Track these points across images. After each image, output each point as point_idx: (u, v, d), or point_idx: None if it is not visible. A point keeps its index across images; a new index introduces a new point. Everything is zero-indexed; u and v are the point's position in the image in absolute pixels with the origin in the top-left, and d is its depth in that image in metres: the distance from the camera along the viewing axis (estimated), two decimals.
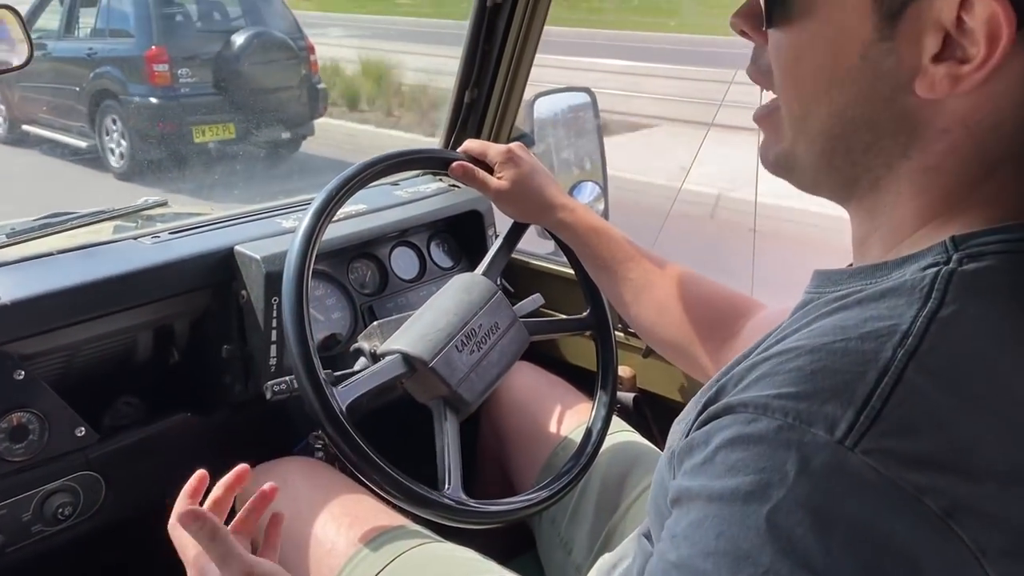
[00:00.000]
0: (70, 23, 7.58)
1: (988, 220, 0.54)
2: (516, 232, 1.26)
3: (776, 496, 0.45)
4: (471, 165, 1.20)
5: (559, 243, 1.27)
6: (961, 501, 0.44)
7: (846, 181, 0.60)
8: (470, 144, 1.23)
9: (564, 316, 1.31)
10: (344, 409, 1.01)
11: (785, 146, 0.62)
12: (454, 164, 1.20)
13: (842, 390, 0.47)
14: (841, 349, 0.49)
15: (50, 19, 7.64)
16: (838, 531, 0.44)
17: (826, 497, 0.45)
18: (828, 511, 0.44)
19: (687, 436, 0.55)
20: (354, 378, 1.05)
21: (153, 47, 6.85)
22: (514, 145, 1.21)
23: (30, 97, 7.77)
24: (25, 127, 7.79)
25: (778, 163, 0.63)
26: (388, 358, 1.10)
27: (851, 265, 0.67)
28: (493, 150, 1.21)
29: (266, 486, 0.96)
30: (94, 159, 7.10)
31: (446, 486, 1.05)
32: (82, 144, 7.33)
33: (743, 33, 0.63)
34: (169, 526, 0.91)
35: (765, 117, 0.64)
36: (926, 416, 0.46)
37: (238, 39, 6.99)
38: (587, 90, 1.87)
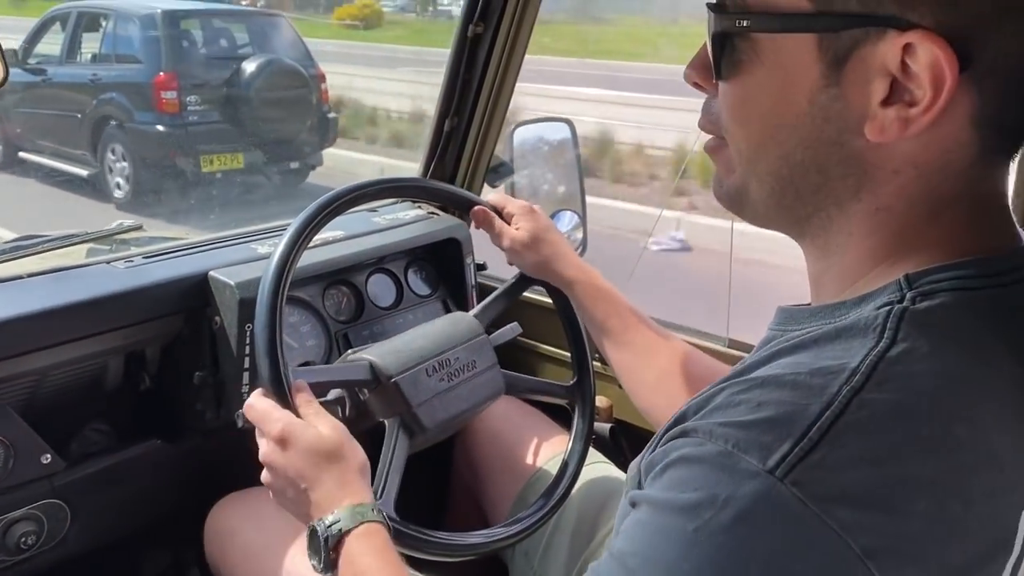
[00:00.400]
0: (72, 48, 7.39)
1: (941, 257, 0.55)
2: (519, 285, 1.26)
3: (704, 516, 0.47)
4: (492, 213, 1.23)
5: (550, 290, 1.27)
6: (884, 540, 0.46)
7: (797, 219, 0.61)
8: (496, 197, 1.27)
9: (546, 380, 1.30)
10: (292, 383, 0.97)
11: (736, 181, 0.63)
12: (476, 209, 1.23)
13: (783, 422, 0.48)
14: (791, 383, 0.50)
15: (50, 44, 7.52)
16: (755, 561, 0.46)
17: (748, 526, 0.46)
18: (749, 539, 0.46)
19: (652, 453, 0.57)
20: (314, 366, 1.04)
21: (161, 73, 6.69)
22: (534, 205, 1.24)
23: (28, 123, 7.55)
24: (22, 154, 7.58)
25: (730, 197, 0.65)
26: (354, 360, 1.09)
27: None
28: (513, 204, 1.24)
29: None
30: (95, 188, 6.93)
31: (379, 495, 1.02)
32: (83, 172, 7.14)
33: (696, 85, 0.65)
34: (249, 405, 0.97)
35: (716, 150, 0.65)
36: (862, 452, 0.47)
37: (248, 67, 6.82)
38: (567, 120, 1.88)
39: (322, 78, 7.32)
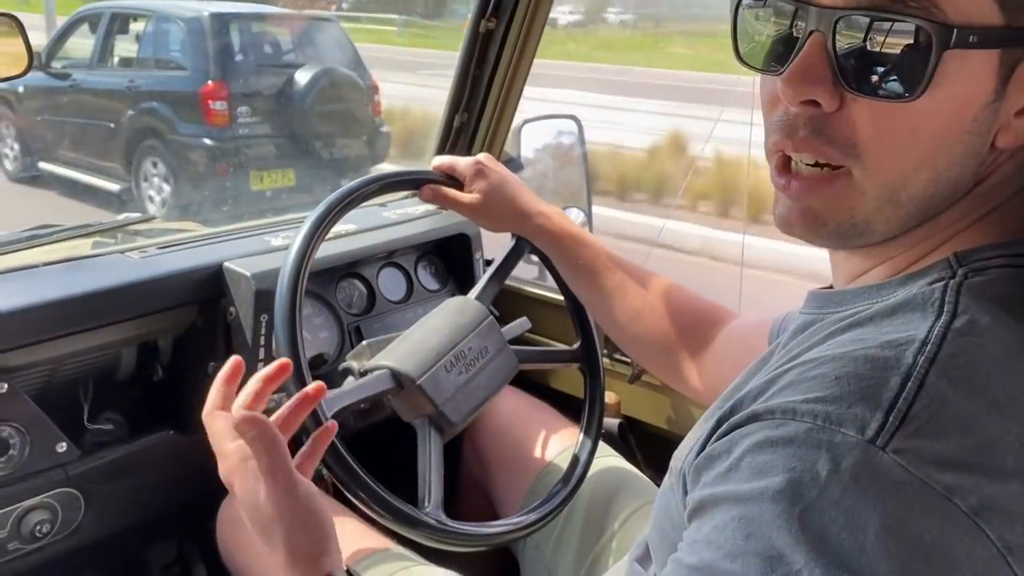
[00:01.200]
0: (104, 52, 6.70)
1: (984, 239, 0.56)
2: (510, 259, 1.26)
3: (809, 496, 0.46)
4: (439, 187, 1.19)
5: (546, 264, 1.27)
6: (988, 500, 0.46)
7: (894, 237, 0.59)
8: (439, 161, 1.22)
9: (555, 346, 1.31)
10: (329, 417, 1.00)
11: (859, 215, 0.57)
12: (423, 188, 1.19)
13: (868, 394, 0.48)
14: (863, 356, 0.50)
15: (76, 47, 6.90)
16: (871, 530, 0.45)
17: (859, 496, 0.45)
18: (861, 510, 0.45)
19: (703, 450, 0.55)
20: (340, 389, 1.05)
21: (210, 82, 5.96)
22: (481, 156, 1.21)
23: (51, 132, 6.83)
24: (43, 165, 6.86)
25: (841, 233, 0.59)
26: (376, 373, 1.10)
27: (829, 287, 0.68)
28: (461, 164, 1.20)
29: (311, 388, 0.88)
30: (124, 203, 6.29)
31: (426, 504, 1.04)
32: (113, 187, 6.39)
33: (811, 103, 0.56)
34: (206, 414, 0.85)
35: (826, 181, 0.58)
36: (951, 419, 0.47)
37: (303, 76, 6.18)
38: (574, 117, 1.89)
39: (375, 89, 6.66)
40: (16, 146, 7.02)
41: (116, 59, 6.79)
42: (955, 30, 0.51)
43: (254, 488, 0.80)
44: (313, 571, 0.78)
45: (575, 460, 1.23)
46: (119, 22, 6.75)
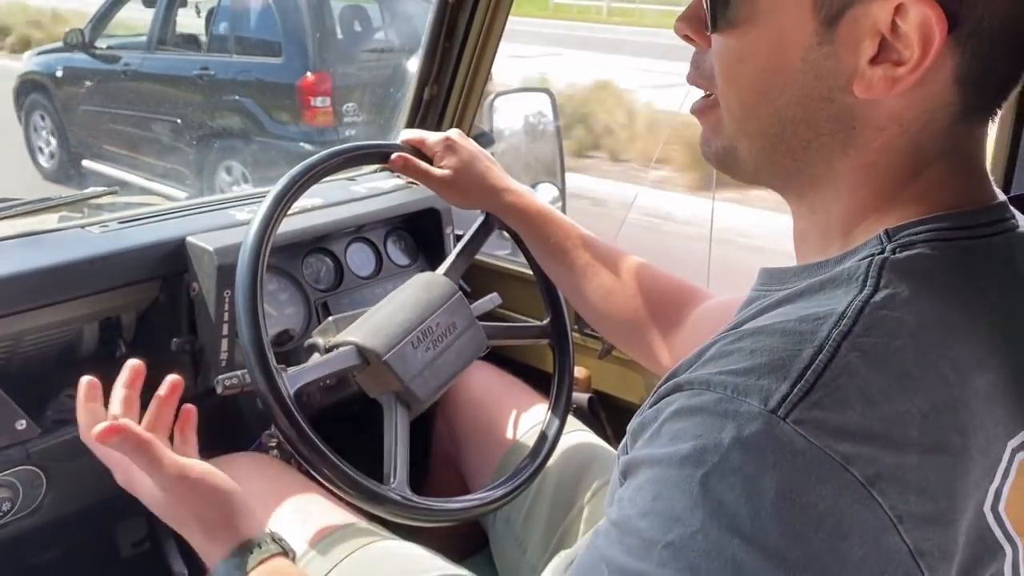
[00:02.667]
0: (165, 30, 5.50)
1: (920, 213, 0.57)
2: (480, 234, 1.25)
3: (710, 462, 0.48)
4: (411, 157, 1.18)
5: (516, 241, 1.26)
6: (885, 470, 0.47)
7: (787, 175, 0.62)
8: (407, 134, 1.21)
9: (523, 322, 1.30)
10: (292, 394, 0.99)
11: (726, 142, 0.64)
12: (394, 156, 1.17)
13: (779, 366, 0.49)
14: (780, 330, 0.52)
15: (124, 21, 5.86)
16: (766, 497, 0.46)
17: (757, 464, 0.47)
18: (758, 477, 0.47)
19: (641, 416, 0.57)
20: (303, 365, 1.04)
21: (310, 73, 4.77)
22: (452, 132, 1.20)
23: (97, 124, 5.76)
24: (87, 163, 5.80)
25: (719, 157, 0.65)
26: (341, 349, 1.09)
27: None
28: (431, 139, 1.19)
29: (171, 378, 0.94)
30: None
31: (392, 480, 1.04)
32: (179, 194, 5.22)
33: (686, 37, 0.65)
34: (83, 438, 0.88)
35: (704, 111, 0.65)
36: (856, 391, 0.48)
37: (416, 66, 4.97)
38: (547, 91, 1.88)
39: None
40: (53, 140, 6.04)
41: (180, 39, 5.66)
42: None
43: (149, 487, 0.85)
44: (231, 537, 0.83)
45: (543, 436, 1.23)
46: None
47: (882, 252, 0.55)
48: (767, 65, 0.58)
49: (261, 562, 0.82)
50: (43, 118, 6.08)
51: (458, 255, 1.23)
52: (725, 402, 0.49)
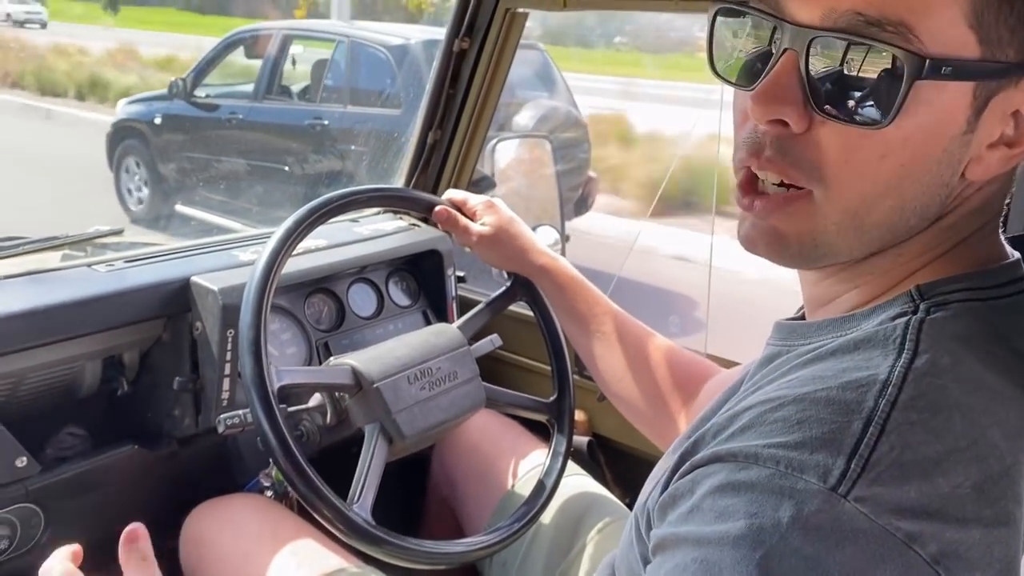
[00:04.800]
0: (272, 81, 5.64)
1: (948, 270, 0.56)
2: (503, 299, 1.26)
3: (769, 542, 0.45)
4: (454, 211, 1.22)
5: (537, 311, 1.27)
6: (948, 548, 0.46)
7: (864, 258, 0.59)
8: (452, 193, 1.25)
9: (527, 396, 1.29)
10: (276, 390, 0.99)
11: (819, 237, 0.57)
12: (438, 208, 1.22)
13: (830, 439, 0.47)
14: (824, 399, 0.50)
15: (224, 73, 6.00)
16: None
17: (820, 544, 0.45)
18: (822, 558, 0.45)
19: (666, 488, 0.54)
20: (294, 365, 1.04)
21: None
22: (494, 198, 1.23)
23: (195, 170, 5.82)
24: (181, 208, 5.74)
25: (803, 256, 0.58)
26: (337, 365, 1.10)
27: (800, 313, 0.68)
28: (474, 199, 1.23)
29: (130, 529, 0.83)
30: None
31: (355, 500, 1.03)
32: None
33: (778, 123, 0.55)
34: None
35: (786, 203, 0.57)
36: (913, 465, 0.47)
37: (525, 116, 4.99)
38: (546, 136, 1.91)
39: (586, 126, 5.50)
40: (145, 185, 6.08)
41: (288, 90, 5.78)
42: (928, 61, 0.50)
43: None
44: None
45: (540, 487, 1.22)
46: (291, 47, 5.73)
47: (915, 311, 0.53)
48: (913, 159, 0.53)
49: None
50: (137, 164, 6.11)
51: (476, 314, 1.25)
52: (779, 478, 0.47)
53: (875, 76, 0.51)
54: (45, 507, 1.17)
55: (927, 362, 0.51)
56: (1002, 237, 0.61)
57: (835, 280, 0.61)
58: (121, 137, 6.17)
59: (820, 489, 0.46)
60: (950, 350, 0.52)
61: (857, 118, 0.52)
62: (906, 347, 0.52)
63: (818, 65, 0.53)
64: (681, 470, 0.54)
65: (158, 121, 6.01)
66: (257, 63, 5.83)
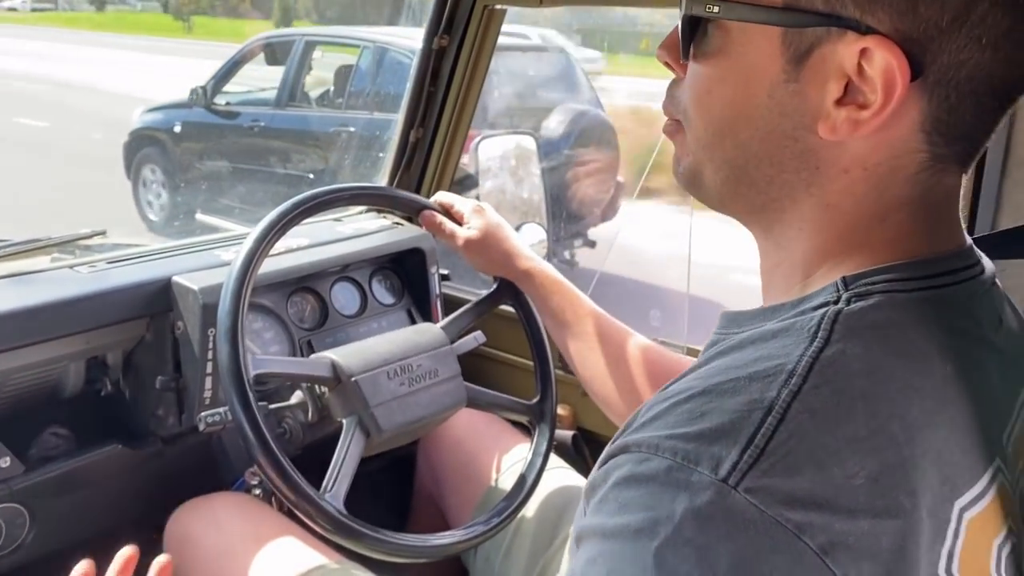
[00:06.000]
0: (295, 87, 5.56)
1: (881, 260, 0.56)
2: (488, 301, 1.27)
3: (664, 533, 0.46)
4: (442, 216, 1.23)
5: (522, 314, 1.29)
6: (837, 538, 0.46)
7: (751, 207, 0.62)
8: (441, 196, 1.27)
9: (509, 397, 1.29)
10: (252, 378, 1.00)
11: (692, 164, 0.64)
12: (425, 213, 1.23)
13: (728, 431, 0.48)
14: (730, 389, 0.51)
15: (242, 80, 5.91)
16: (721, 567, 0.45)
17: (710, 535, 0.46)
18: (711, 548, 0.46)
19: (591, 478, 0.55)
20: (271, 356, 1.04)
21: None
22: (483, 203, 1.25)
23: (216, 179, 5.78)
24: (201, 216, 5.66)
25: (686, 179, 0.66)
26: (316, 358, 1.11)
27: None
28: (462, 203, 1.24)
29: (126, 553, 0.93)
30: None
31: (328, 489, 1.03)
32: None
33: (667, 64, 0.66)
34: None
35: (674, 133, 0.66)
36: (806, 455, 0.48)
37: (555, 120, 4.83)
38: (531, 134, 1.92)
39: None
40: (164, 193, 6.00)
41: (312, 97, 5.70)
42: (721, 4, 0.57)
43: None
44: None
45: (522, 480, 1.23)
46: (313, 53, 5.66)
47: (836, 302, 0.54)
48: (734, 98, 0.59)
49: None
50: (154, 172, 6.02)
51: (461, 314, 1.26)
52: (675, 470, 0.48)
53: (686, 17, 0.59)
54: (30, 507, 1.18)
55: (836, 352, 0.51)
56: (965, 236, 0.61)
57: (764, 254, 0.65)
58: (139, 146, 6.06)
59: (712, 481, 0.47)
60: (863, 340, 0.52)
61: (690, 56, 0.61)
62: (819, 336, 0.52)
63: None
64: (602, 457, 0.55)
65: (178, 129, 5.95)
66: (272, 69, 5.78)
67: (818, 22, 0.53)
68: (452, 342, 1.22)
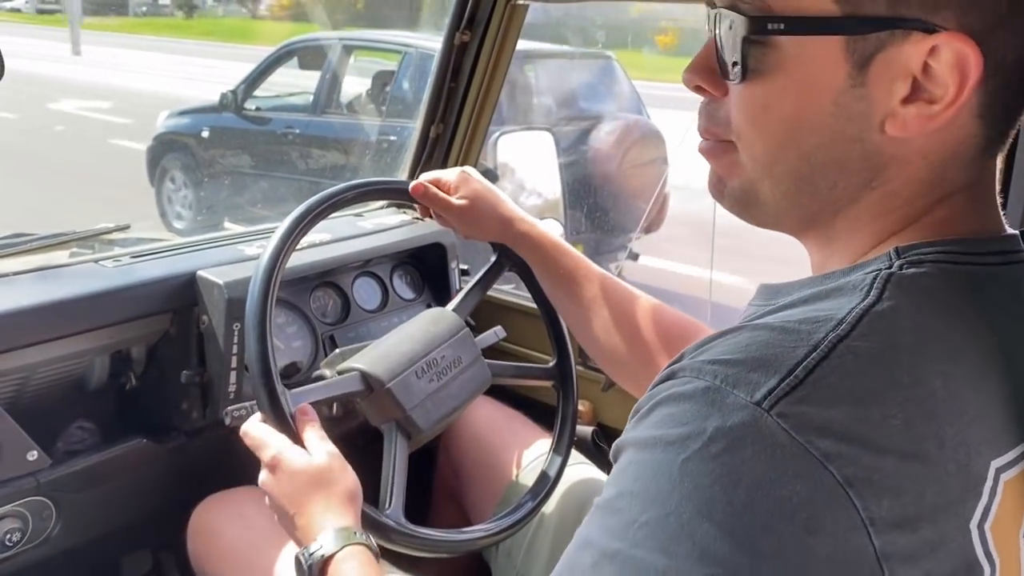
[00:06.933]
0: (332, 93, 5.43)
1: (933, 237, 0.58)
2: (491, 274, 1.26)
3: (692, 447, 0.48)
4: (430, 185, 1.20)
5: (524, 278, 1.28)
6: (863, 472, 0.48)
7: (809, 216, 0.62)
8: (426, 174, 1.24)
9: (530, 362, 1.31)
10: (294, 411, 1.00)
11: (745, 183, 0.63)
12: (414, 184, 1.20)
13: (771, 360, 0.50)
14: (780, 327, 0.53)
15: (271, 88, 5.77)
16: (742, 486, 0.47)
17: (736, 454, 0.48)
18: (736, 467, 0.47)
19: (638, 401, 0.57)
20: (308, 386, 1.05)
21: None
22: (465, 168, 1.22)
23: (245, 186, 5.63)
24: (229, 226, 5.37)
25: (735, 197, 0.64)
26: (346, 374, 1.11)
27: None
28: (446, 174, 1.21)
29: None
30: None
31: (387, 506, 1.05)
32: None
33: (698, 88, 0.64)
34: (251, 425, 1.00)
35: (716, 152, 0.64)
36: (845, 390, 0.49)
37: (603, 132, 4.68)
38: (549, 130, 1.92)
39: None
40: (189, 199, 5.84)
41: (349, 104, 5.55)
42: (768, 20, 0.57)
43: (303, 459, 0.95)
44: (349, 513, 0.92)
45: (544, 475, 1.23)
46: (350, 58, 5.53)
47: (889, 267, 0.56)
48: (797, 110, 0.58)
49: (360, 545, 0.89)
50: (180, 179, 5.88)
51: (468, 293, 1.25)
52: (712, 391, 0.50)
53: (734, 38, 0.59)
54: (56, 500, 1.19)
55: (887, 308, 0.53)
56: (1004, 220, 0.62)
57: (815, 249, 0.65)
58: (164, 151, 5.93)
59: (746, 403, 0.48)
60: (913, 300, 0.54)
61: (731, 77, 0.60)
62: (871, 294, 0.54)
63: (721, 38, 0.60)
64: (649, 385, 0.58)
65: (206, 134, 5.83)
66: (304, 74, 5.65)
67: (883, 26, 0.54)
68: (467, 323, 1.22)
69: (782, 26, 0.57)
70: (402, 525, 1.03)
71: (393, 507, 1.04)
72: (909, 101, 0.55)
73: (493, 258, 1.26)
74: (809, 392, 0.49)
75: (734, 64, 0.59)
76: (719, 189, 0.65)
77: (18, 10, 19.85)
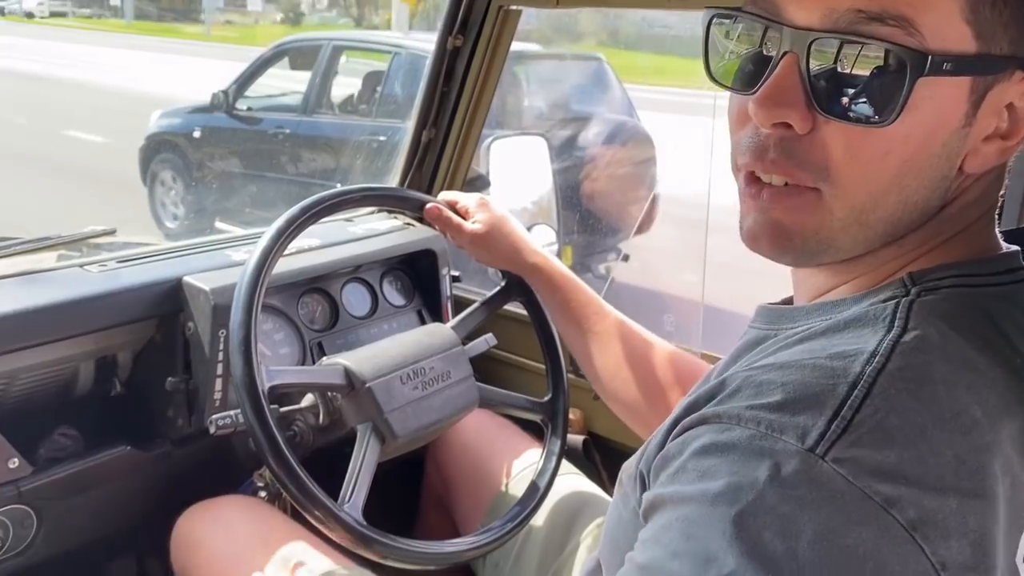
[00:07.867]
0: (322, 93, 5.44)
1: (943, 259, 0.58)
2: (497, 299, 1.26)
3: (746, 500, 0.46)
4: (446, 209, 1.21)
5: (531, 311, 1.27)
6: (926, 515, 0.46)
7: (858, 254, 0.59)
8: (445, 194, 1.25)
9: (521, 396, 1.28)
10: (267, 389, 0.99)
11: (825, 234, 0.57)
12: (430, 206, 1.21)
13: (813, 401, 0.48)
14: (811, 364, 0.51)
15: (262, 87, 5.73)
16: (804, 537, 0.45)
17: (795, 503, 0.45)
18: (796, 517, 0.45)
19: (660, 450, 0.55)
20: (286, 366, 1.03)
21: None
22: (484, 196, 1.23)
23: (236, 187, 5.65)
24: (222, 224, 5.42)
25: (808, 252, 0.58)
26: (329, 366, 1.10)
27: (789, 300, 0.69)
28: (466, 197, 1.23)
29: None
30: None
31: (346, 500, 1.02)
32: None
33: (782, 125, 0.55)
34: None
35: (790, 197, 0.57)
36: (895, 429, 0.47)
37: (591, 133, 4.63)
38: (542, 135, 1.91)
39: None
40: (180, 199, 5.85)
41: (339, 104, 5.56)
42: (930, 57, 0.51)
43: None
44: None
45: (533, 486, 1.22)
46: (340, 58, 5.52)
47: (907, 294, 0.55)
48: (914, 154, 0.54)
49: None
50: (172, 179, 5.88)
51: (471, 313, 1.24)
52: (759, 439, 0.48)
53: (877, 74, 0.52)
54: (38, 508, 1.17)
55: (915, 338, 0.52)
56: (997, 230, 0.62)
57: (832, 272, 0.62)
58: (155, 151, 5.94)
59: (798, 450, 0.46)
60: (939, 329, 0.53)
61: (860, 116, 0.53)
62: (896, 324, 0.52)
63: (818, 65, 0.54)
64: (673, 432, 0.55)
65: (197, 135, 5.79)
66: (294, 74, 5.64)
67: (1009, 66, 0.54)
68: (463, 342, 1.21)
69: (950, 66, 0.52)
70: (361, 524, 1.01)
71: (352, 502, 1.02)
72: (989, 138, 0.55)
73: (502, 283, 1.25)
74: (861, 434, 0.47)
75: (863, 102, 0.53)
76: (783, 240, 0.58)
77: (31, 15, 19.71)
